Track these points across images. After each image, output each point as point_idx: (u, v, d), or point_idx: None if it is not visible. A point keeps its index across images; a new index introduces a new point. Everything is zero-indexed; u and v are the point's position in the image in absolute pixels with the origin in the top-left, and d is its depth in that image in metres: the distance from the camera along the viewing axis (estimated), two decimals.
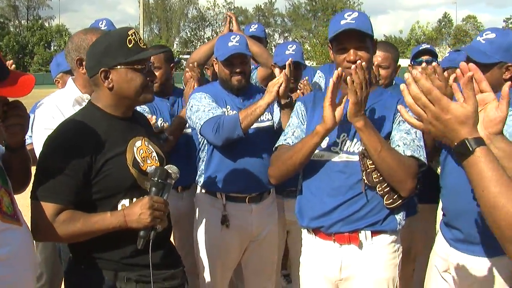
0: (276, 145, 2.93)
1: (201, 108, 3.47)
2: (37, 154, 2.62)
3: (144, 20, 50.96)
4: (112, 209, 2.29)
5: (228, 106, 3.58)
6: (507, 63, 2.78)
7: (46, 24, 79.65)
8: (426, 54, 4.42)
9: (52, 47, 76.33)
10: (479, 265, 2.76)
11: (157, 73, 4.00)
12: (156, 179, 2.33)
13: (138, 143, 2.43)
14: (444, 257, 2.97)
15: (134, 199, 2.34)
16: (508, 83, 1.78)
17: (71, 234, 2.23)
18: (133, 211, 2.25)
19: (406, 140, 2.68)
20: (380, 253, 2.73)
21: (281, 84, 3.31)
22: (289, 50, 4.12)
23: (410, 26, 73.60)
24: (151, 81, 2.42)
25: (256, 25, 5.43)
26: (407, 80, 1.62)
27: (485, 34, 2.85)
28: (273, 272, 3.86)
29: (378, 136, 2.58)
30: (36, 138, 2.90)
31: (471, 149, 1.52)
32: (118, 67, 2.34)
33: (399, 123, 2.73)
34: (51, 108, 2.93)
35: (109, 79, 2.36)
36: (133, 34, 2.35)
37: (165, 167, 2.39)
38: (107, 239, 2.30)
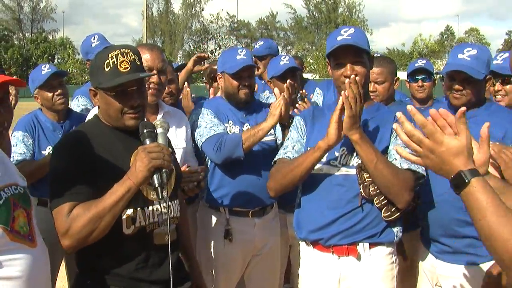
0: (276, 159, 2.96)
1: (203, 125, 3.51)
2: None
3: (147, 33, 51.13)
4: (117, 219, 2.25)
5: (230, 121, 3.62)
6: (487, 76, 2.91)
7: (50, 37, 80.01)
8: (422, 72, 4.44)
9: (56, 60, 76.62)
10: (465, 273, 2.83)
11: (172, 86, 4.02)
12: (144, 131, 2.29)
13: None
14: (431, 269, 3.04)
15: (138, 209, 2.34)
16: (487, 123, 1.80)
17: (91, 222, 2.16)
18: (132, 168, 2.21)
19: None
20: (378, 264, 2.77)
21: (282, 106, 3.35)
22: (283, 60, 4.17)
23: (412, 38, 73.69)
24: (131, 106, 2.36)
25: (262, 42, 5.48)
26: (400, 119, 1.68)
27: (466, 51, 2.92)
28: (275, 286, 3.86)
29: (373, 149, 2.63)
30: None
31: (466, 180, 1.55)
32: (98, 89, 2.39)
33: (396, 137, 2.77)
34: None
35: (96, 98, 2.45)
36: (114, 56, 2.31)
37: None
38: (114, 252, 2.32)
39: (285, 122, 3.52)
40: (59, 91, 4.10)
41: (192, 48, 79.14)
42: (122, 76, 2.30)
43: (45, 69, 4.12)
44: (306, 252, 2.92)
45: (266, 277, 3.77)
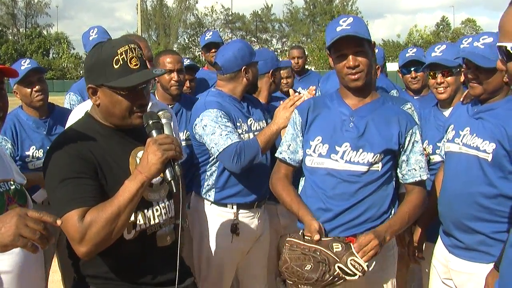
0: (276, 155, 2.96)
1: (217, 131, 3.33)
2: None
3: (142, 27, 50.92)
4: None
5: (240, 120, 3.53)
6: None
7: (44, 32, 79.66)
8: (414, 62, 4.39)
9: (50, 55, 76.28)
10: (477, 271, 2.77)
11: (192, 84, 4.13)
12: (149, 122, 2.16)
13: (140, 154, 2.26)
14: (444, 262, 3.01)
15: (139, 212, 2.22)
16: None
17: (107, 224, 2.00)
18: (143, 162, 2.07)
19: (422, 163, 2.75)
20: (379, 254, 2.71)
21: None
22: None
23: (407, 30, 73.57)
24: (140, 105, 2.24)
25: (211, 32, 5.74)
26: None
27: (482, 39, 2.82)
28: (265, 273, 3.86)
29: (397, 226, 2.71)
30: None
31: None
32: (103, 87, 2.21)
33: (413, 144, 2.75)
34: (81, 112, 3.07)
35: (96, 96, 2.25)
36: (123, 52, 2.17)
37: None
38: (115, 258, 2.21)
39: None
40: (37, 87, 4.01)
41: (186, 41, 78.91)
42: (134, 73, 2.17)
43: (25, 65, 4.02)
44: None
45: (259, 262, 3.77)
